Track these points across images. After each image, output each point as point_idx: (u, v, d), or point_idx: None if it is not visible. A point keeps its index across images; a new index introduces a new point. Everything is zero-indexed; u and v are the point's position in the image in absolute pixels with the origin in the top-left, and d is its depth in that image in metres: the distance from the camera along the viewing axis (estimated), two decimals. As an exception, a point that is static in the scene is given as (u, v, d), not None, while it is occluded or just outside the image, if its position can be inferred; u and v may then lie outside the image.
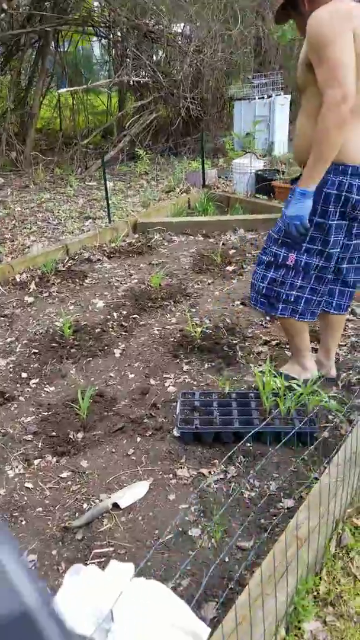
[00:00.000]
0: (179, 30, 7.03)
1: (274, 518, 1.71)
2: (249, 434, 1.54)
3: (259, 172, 4.82)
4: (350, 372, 2.44)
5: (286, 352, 2.63)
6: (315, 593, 1.45)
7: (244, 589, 1.34)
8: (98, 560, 1.64)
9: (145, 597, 0.78)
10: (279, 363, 2.49)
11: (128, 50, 6.60)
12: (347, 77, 1.71)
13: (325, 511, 1.54)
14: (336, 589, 1.49)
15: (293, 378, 2.21)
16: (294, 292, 2.09)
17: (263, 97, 6.16)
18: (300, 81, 1.96)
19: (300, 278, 2.07)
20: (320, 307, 2.18)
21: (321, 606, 1.44)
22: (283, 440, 1.78)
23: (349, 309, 2.34)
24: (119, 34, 6.91)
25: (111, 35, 7.28)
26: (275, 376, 2.09)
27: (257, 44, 7.35)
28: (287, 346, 2.67)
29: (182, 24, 6.99)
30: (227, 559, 1.61)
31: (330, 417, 2.17)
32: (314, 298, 2.11)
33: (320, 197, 1.92)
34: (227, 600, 1.48)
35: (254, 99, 6.16)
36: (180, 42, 6.74)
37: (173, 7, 6.72)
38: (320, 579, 1.49)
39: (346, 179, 1.89)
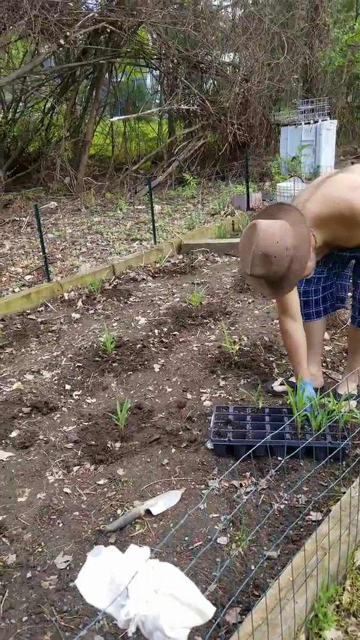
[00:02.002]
0: (228, 60, 7.28)
1: (302, 530, 1.73)
2: (289, 449, 1.58)
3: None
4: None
5: (323, 369, 2.63)
6: (337, 602, 1.46)
7: (268, 594, 1.37)
8: (129, 561, 1.72)
9: (158, 577, 0.84)
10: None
11: (178, 80, 6.90)
12: None
13: (351, 523, 1.54)
14: (359, 600, 1.48)
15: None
16: None
17: (309, 123, 6.25)
18: None
19: None
20: None
21: (343, 616, 1.44)
22: (315, 457, 1.80)
23: None
24: (169, 65, 7.25)
25: (162, 67, 7.64)
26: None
27: (305, 71, 7.48)
28: (324, 365, 2.68)
29: (231, 54, 7.24)
30: (253, 567, 1.64)
31: (364, 434, 2.16)
32: None
33: None
34: (251, 606, 1.51)
35: (301, 124, 6.26)
36: (228, 71, 6.97)
37: (222, 38, 6.98)
38: (344, 589, 1.49)
39: None
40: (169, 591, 0.83)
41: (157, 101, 9.59)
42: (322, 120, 6.25)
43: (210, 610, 0.88)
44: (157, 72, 8.14)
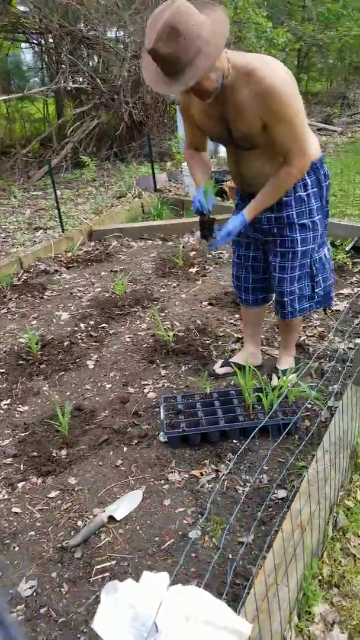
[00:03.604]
0: (114, 36, 7.01)
1: (270, 510, 1.75)
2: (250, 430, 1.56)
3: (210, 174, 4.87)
4: (321, 360, 2.52)
5: (258, 347, 2.68)
6: (319, 577, 1.49)
7: (256, 581, 1.36)
8: (101, 575, 1.62)
9: (185, 603, 0.78)
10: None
11: (63, 56, 6.52)
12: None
13: (320, 496, 1.59)
14: (338, 570, 1.54)
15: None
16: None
17: (204, 99, 6.25)
18: (257, 139, 1.87)
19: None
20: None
21: (326, 588, 1.48)
22: (269, 433, 1.82)
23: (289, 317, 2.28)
24: (51, 40, 6.81)
25: (44, 42, 7.16)
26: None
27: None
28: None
29: (116, 30, 6.98)
30: (230, 556, 1.63)
31: (309, 405, 2.24)
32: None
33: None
34: (235, 596, 1.50)
35: (195, 101, 6.23)
36: (116, 48, 6.72)
37: (106, 12, 6.69)
38: (322, 562, 1.53)
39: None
40: (201, 617, 0.77)
41: (37, 79, 9.01)
42: (216, 98, 6.28)
43: (247, 628, 0.83)
44: (39, 47, 7.62)
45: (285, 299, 2.16)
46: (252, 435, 1.40)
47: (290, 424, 1.95)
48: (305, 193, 2.01)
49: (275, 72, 1.73)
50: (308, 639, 1.35)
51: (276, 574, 1.34)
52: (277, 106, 1.73)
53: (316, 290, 2.19)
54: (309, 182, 2.01)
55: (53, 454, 2.11)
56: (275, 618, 1.24)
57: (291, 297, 2.16)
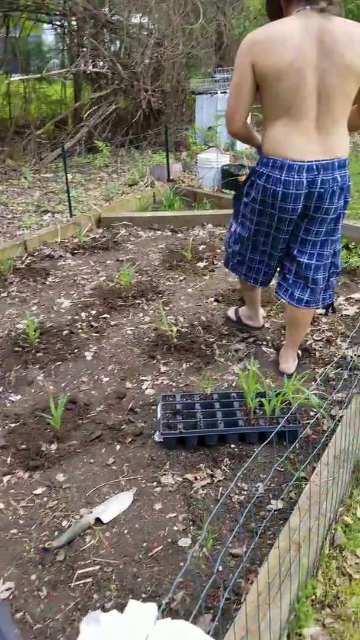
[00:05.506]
0: (138, 22, 6.87)
1: (265, 521, 1.66)
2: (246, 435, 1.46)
3: (225, 167, 4.76)
4: (327, 367, 2.42)
5: (263, 348, 2.58)
6: (313, 596, 1.40)
7: (246, 600, 1.27)
8: (83, 581, 1.54)
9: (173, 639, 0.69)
10: (258, 360, 2.44)
11: (85, 39, 6.38)
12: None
13: (319, 513, 1.49)
14: (332, 590, 1.45)
15: (240, 321, 2.72)
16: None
17: (225, 92, 6.11)
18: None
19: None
20: (263, 277, 2.38)
21: (319, 609, 1.40)
22: (267, 440, 1.72)
23: (315, 307, 2.27)
24: (74, 22, 6.67)
25: (66, 24, 7.02)
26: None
27: (219, 38, 7.29)
28: (265, 343, 2.63)
29: (141, 16, 6.83)
30: (220, 568, 1.54)
31: (311, 413, 2.14)
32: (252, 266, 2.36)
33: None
34: (224, 611, 1.41)
35: (216, 93, 6.10)
36: (140, 34, 6.58)
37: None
38: (317, 581, 1.44)
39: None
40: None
41: (57, 61, 8.86)
42: (237, 90, 6.14)
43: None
44: (61, 29, 7.48)
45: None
46: (251, 441, 1.30)
47: (291, 432, 1.86)
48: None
49: None
50: (297, 666, 1.26)
51: (269, 593, 1.25)
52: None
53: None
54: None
55: (42, 448, 2.02)
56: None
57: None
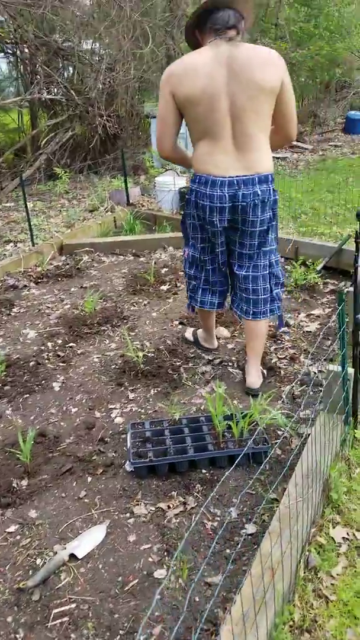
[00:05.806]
0: (90, 48, 6.97)
1: (239, 547, 1.68)
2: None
3: (182, 190, 4.86)
4: (292, 385, 2.48)
5: (229, 369, 2.63)
6: (290, 622, 1.43)
7: (223, 632, 1.29)
8: (60, 620, 1.52)
9: None
10: (225, 382, 2.48)
11: (38, 67, 6.43)
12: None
13: (291, 536, 1.52)
14: (310, 614, 1.47)
15: (197, 342, 2.81)
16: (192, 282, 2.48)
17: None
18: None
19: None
20: (219, 297, 2.45)
21: (297, 634, 1.42)
22: (235, 463, 1.75)
23: (264, 319, 2.36)
24: (26, 50, 6.71)
25: (19, 52, 7.05)
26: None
27: (168, 62, 7.46)
28: (230, 364, 2.68)
29: (92, 42, 6.93)
30: (197, 598, 1.55)
31: (279, 432, 2.19)
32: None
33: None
34: (202, 643, 1.42)
35: (170, 116, 6.21)
36: (91, 60, 6.67)
37: (82, 24, 6.64)
38: (293, 605, 1.47)
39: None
40: None
41: (12, 89, 8.87)
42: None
43: None
44: (14, 57, 7.50)
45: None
46: (221, 465, 1.33)
47: (259, 454, 1.90)
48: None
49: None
50: None
51: (244, 624, 1.27)
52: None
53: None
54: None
55: (13, 484, 2.00)
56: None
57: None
